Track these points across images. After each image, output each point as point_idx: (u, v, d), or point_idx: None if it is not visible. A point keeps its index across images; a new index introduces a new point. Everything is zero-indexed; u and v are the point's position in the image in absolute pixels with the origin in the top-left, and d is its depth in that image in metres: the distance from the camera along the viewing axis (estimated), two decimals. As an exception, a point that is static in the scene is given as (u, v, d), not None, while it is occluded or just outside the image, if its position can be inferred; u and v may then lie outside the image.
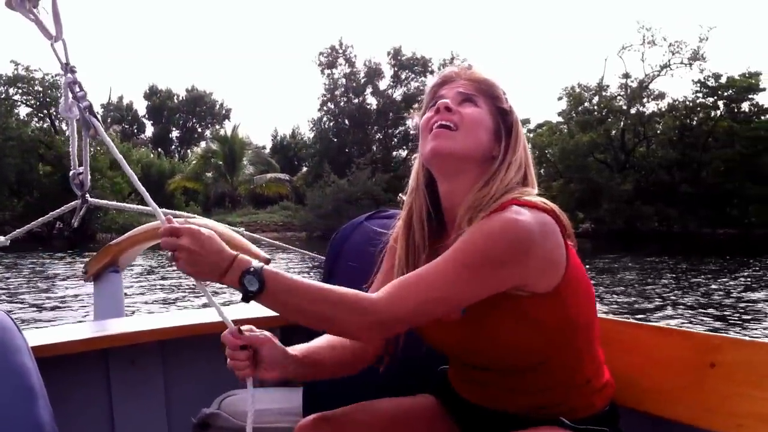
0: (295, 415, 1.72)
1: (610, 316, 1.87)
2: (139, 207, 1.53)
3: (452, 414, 1.58)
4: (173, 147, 64.29)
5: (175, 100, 64.65)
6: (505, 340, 1.37)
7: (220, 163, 45.95)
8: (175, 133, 65.39)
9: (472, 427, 1.54)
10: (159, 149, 55.88)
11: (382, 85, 49.99)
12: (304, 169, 52.33)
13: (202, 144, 56.73)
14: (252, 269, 1.23)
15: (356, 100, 49.64)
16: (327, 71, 49.42)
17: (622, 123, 38.47)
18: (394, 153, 51.62)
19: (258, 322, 1.62)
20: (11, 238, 1.76)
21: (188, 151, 59.19)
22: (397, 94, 49.88)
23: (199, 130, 65.25)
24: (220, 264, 1.23)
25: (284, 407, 1.98)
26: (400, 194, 1.57)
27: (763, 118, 34.52)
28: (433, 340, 1.49)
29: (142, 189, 1.31)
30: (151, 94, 64.20)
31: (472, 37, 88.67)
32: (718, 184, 34.08)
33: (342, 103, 49.74)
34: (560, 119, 41.80)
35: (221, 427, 1.96)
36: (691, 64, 37.07)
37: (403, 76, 49.67)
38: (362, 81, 49.57)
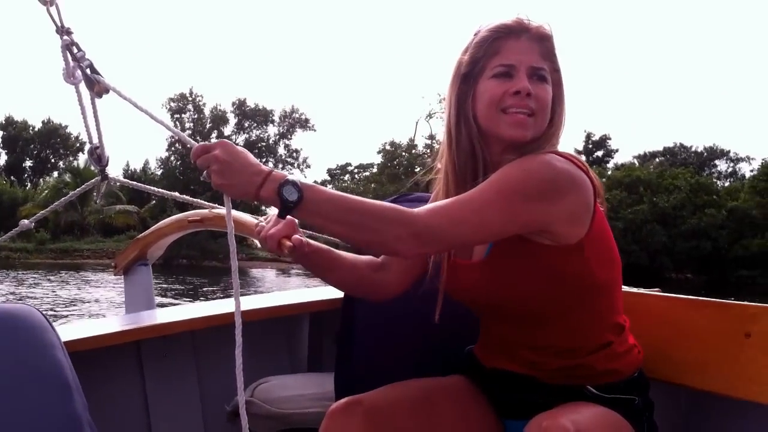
0: (328, 399, 1.71)
1: (642, 290, 1.87)
2: (162, 191, 1.47)
3: (483, 391, 1.56)
4: (26, 176, 60.27)
5: (31, 132, 60.47)
6: (521, 284, 1.39)
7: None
8: (28, 163, 60.84)
9: (502, 401, 1.54)
10: (12, 177, 56.42)
11: (227, 131, 52.72)
12: (153, 202, 53.62)
13: (55, 174, 58.56)
14: (290, 180, 1.20)
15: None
16: (176, 116, 51.37)
17: (429, 177, 42.94)
18: (236, 192, 53.48)
19: (276, 311, 2.00)
20: (35, 220, 1.77)
21: (41, 180, 55.91)
22: (240, 140, 51.93)
23: (53, 160, 60.64)
24: (255, 177, 1.20)
25: (316, 392, 1.99)
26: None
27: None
28: (455, 285, 1.50)
29: (170, 125, 1.41)
30: (7, 124, 60.02)
31: (310, 92, 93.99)
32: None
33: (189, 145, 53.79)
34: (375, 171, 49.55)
35: (255, 414, 1.95)
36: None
37: (246, 125, 53.64)
38: (208, 126, 52.41)
